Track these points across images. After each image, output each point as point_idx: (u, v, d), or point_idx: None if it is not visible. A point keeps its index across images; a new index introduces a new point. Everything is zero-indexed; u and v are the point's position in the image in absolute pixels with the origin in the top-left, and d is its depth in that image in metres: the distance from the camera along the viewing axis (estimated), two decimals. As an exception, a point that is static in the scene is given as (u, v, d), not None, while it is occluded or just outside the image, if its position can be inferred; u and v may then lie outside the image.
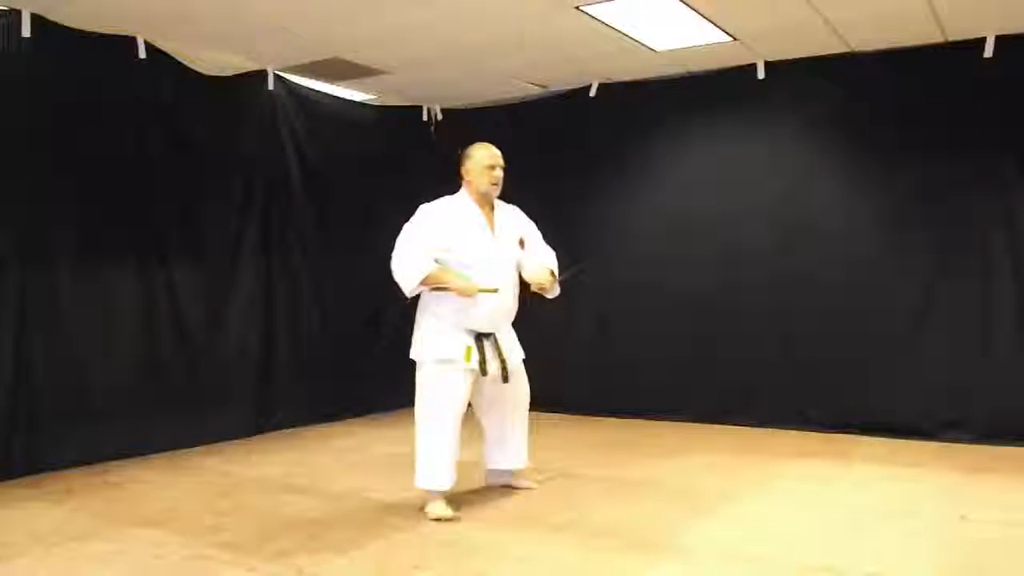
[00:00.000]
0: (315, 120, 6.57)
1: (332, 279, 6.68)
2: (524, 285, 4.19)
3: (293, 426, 6.30)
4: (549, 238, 4.39)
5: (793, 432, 5.83)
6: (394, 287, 4.02)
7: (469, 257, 3.96)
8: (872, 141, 5.72)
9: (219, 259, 5.91)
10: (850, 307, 5.75)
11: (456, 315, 3.97)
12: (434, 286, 3.93)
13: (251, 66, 6.07)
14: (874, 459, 5.05)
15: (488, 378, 4.03)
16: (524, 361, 4.29)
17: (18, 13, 4.77)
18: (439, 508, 3.92)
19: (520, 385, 4.29)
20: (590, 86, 6.64)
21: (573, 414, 6.62)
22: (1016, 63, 5.22)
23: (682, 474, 4.77)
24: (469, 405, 4.13)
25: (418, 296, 4.08)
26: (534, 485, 4.45)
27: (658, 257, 6.41)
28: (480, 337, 4.01)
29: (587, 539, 3.58)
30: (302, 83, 6.48)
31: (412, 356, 4.07)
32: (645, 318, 6.48)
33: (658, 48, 5.71)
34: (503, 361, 4.06)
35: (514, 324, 4.27)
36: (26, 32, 4.79)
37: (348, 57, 5.87)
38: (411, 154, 7.14)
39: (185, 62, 5.62)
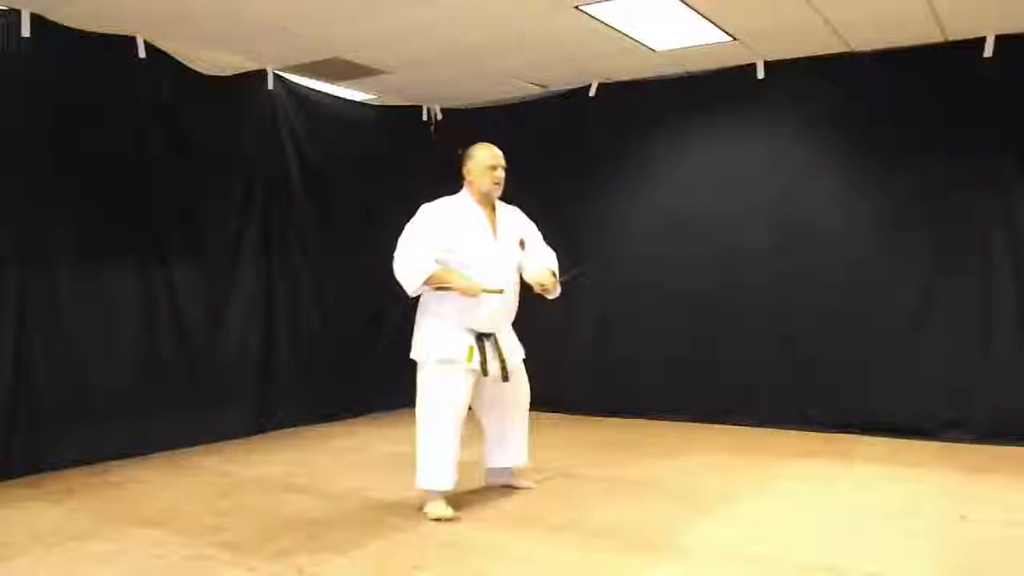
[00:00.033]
0: (315, 120, 6.57)
1: (332, 279, 6.68)
2: (524, 285, 4.20)
3: (293, 426, 6.30)
4: (549, 238, 4.39)
5: (793, 432, 5.83)
6: (395, 286, 4.02)
7: (470, 257, 3.96)
8: (871, 141, 5.72)
9: (219, 259, 5.91)
10: (850, 307, 5.75)
11: (458, 315, 3.96)
12: (437, 285, 3.93)
13: (251, 66, 6.07)
14: (875, 459, 5.05)
15: (489, 378, 4.03)
16: (524, 361, 4.30)
17: (18, 13, 4.77)
18: (439, 508, 3.92)
19: (520, 385, 4.29)
20: (589, 86, 6.64)
21: (573, 414, 6.62)
22: (1016, 63, 5.22)
23: (682, 474, 4.77)
24: (469, 407, 4.13)
25: (418, 296, 4.08)
26: (533, 485, 4.45)
27: (658, 257, 6.41)
28: (481, 337, 4.01)
29: (587, 539, 3.58)
30: (302, 83, 6.48)
31: (413, 356, 4.07)
32: (645, 318, 6.48)
33: (658, 48, 5.71)
34: (503, 361, 4.06)
35: (514, 324, 4.27)
36: (26, 32, 4.79)
37: (348, 57, 5.87)
38: (411, 154, 7.13)
39: (185, 62, 5.62)
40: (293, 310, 6.42)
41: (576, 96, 6.71)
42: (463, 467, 4.08)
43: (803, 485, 4.48)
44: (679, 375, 6.33)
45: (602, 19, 5.10)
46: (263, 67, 6.12)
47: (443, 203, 4.06)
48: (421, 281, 3.90)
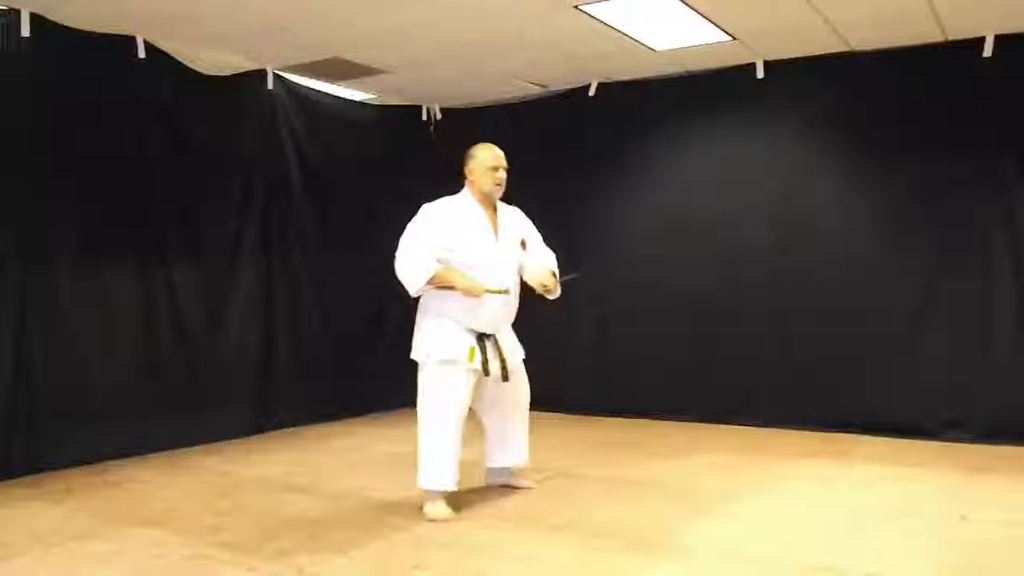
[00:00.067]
0: (315, 120, 6.57)
1: (332, 279, 6.68)
2: (525, 286, 4.20)
3: (293, 426, 6.30)
4: (549, 238, 4.39)
5: (794, 432, 5.82)
6: (396, 286, 4.02)
7: (472, 258, 3.96)
8: (871, 140, 5.72)
9: (219, 259, 5.91)
10: (850, 307, 5.75)
11: (460, 315, 3.96)
12: (439, 285, 3.92)
13: (251, 66, 6.07)
14: (875, 459, 5.05)
15: (489, 378, 4.03)
16: (524, 361, 4.30)
17: (17, 13, 4.77)
18: (439, 508, 3.92)
19: (520, 385, 4.29)
20: (589, 85, 6.64)
21: (573, 414, 6.61)
22: (1015, 62, 5.22)
23: (682, 474, 4.77)
24: (471, 407, 4.13)
25: (419, 295, 4.07)
26: (533, 484, 4.45)
27: (658, 257, 6.41)
28: (482, 337, 4.01)
29: (587, 539, 3.58)
30: (302, 83, 6.48)
31: (413, 357, 4.07)
32: (645, 318, 6.48)
33: (657, 47, 5.70)
34: (503, 361, 4.06)
35: (514, 324, 4.27)
36: (25, 32, 4.79)
37: (348, 57, 5.87)
38: (411, 154, 7.13)
39: (185, 62, 5.62)
40: (293, 310, 6.42)
41: (576, 96, 6.71)
42: (463, 467, 4.08)
43: (803, 485, 4.48)
44: (679, 375, 6.33)
45: (602, 19, 5.10)
46: (263, 67, 6.12)
47: (444, 203, 4.06)
48: (423, 281, 3.89)
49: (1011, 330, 5.30)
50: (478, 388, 4.07)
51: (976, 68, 5.33)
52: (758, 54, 5.90)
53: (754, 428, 5.99)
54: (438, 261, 3.91)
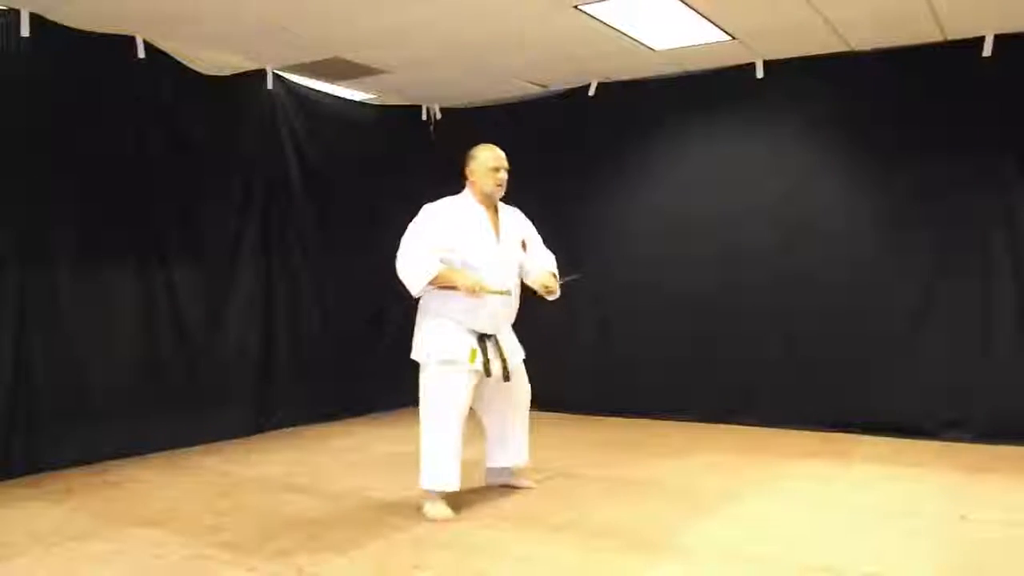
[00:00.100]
0: (314, 120, 6.57)
1: (332, 279, 6.68)
2: (525, 287, 4.20)
3: (293, 426, 6.30)
4: (549, 238, 4.40)
5: (794, 432, 5.82)
6: (397, 286, 4.02)
7: (473, 259, 3.95)
8: (871, 140, 5.72)
9: (219, 259, 5.91)
10: (851, 307, 5.75)
11: (461, 316, 3.96)
12: (441, 285, 3.92)
13: (250, 66, 6.07)
14: (875, 459, 5.05)
15: (490, 378, 4.03)
16: (525, 361, 4.30)
17: (17, 13, 4.77)
18: (439, 508, 3.92)
19: (521, 385, 4.29)
20: (589, 85, 6.64)
21: (574, 414, 6.61)
22: (1015, 62, 5.22)
23: (683, 474, 4.77)
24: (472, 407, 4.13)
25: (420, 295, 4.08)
26: (533, 484, 4.45)
27: (658, 257, 6.41)
28: (482, 338, 4.01)
29: (587, 539, 3.58)
30: (301, 82, 6.48)
31: (414, 357, 4.07)
32: (645, 318, 6.48)
33: (657, 47, 5.70)
34: (504, 361, 4.06)
35: (515, 325, 4.27)
36: (25, 32, 4.78)
37: (348, 56, 5.87)
38: (410, 154, 7.13)
39: (184, 62, 5.62)
40: (293, 310, 6.41)
41: (575, 96, 6.71)
42: (463, 467, 4.08)
43: (803, 485, 4.48)
44: (680, 375, 6.33)
45: (601, 18, 5.10)
46: (263, 67, 6.12)
47: (446, 203, 4.05)
48: (426, 282, 3.89)
49: (1011, 330, 5.30)
50: (478, 388, 4.07)
51: (976, 68, 5.33)
52: (758, 54, 5.90)
53: (754, 428, 5.99)
54: (441, 261, 3.91)
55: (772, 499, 4.22)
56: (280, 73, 6.28)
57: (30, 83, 4.83)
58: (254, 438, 5.96)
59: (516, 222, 4.23)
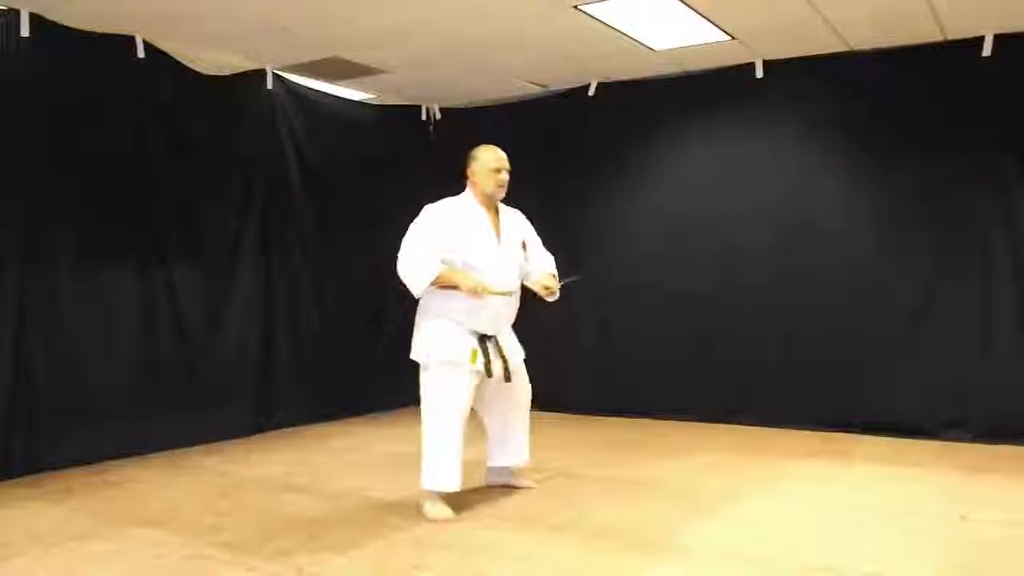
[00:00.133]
0: (314, 120, 6.57)
1: (332, 279, 6.68)
2: (525, 288, 4.20)
3: (293, 426, 6.31)
4: (549, 238, 4.40)
5: (794, 432, 5.82)
6: (397, 286, 4.02)
7: (474, 260, 3.95)
8: (871, 140, 5.72)
9: (219, 259, 5.91)
10: (851, 307, 5.75)
11: (462, 316, 3.95)
12: (443, 285, 3.91)
13: (250, 66, 6.07)
14: (875, 459, 5.05)
15: (491, 379, 4.02)
16: (525, 361, 4.30)
17: (17, 13, 4.76)
18: (439, 508, 3.92)
19: (522, 385, 4.29)
20: (588, 85, 6.64)
21: (574, 414, 6.61)
22: (1015, 62, 5.22)
23: (683, 474, 4.76)
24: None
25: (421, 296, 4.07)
26: (533, 484, 4.45)
27: (658, 257, 6.41)
28: (483, 339, 4.01)
29: (587, 539, 3.58)
30: (301, 82, 6.48)
31: (414, 358, 4.06)
32: (645, 318, 6.48)
33: (657, 47, 5.71)
34: (505, 361, 4.06)
35: (515, 325, 4.27)
36: (25, 32, 4.78)
37: (347, 56, 5.87)
38: (410, 153, 7.14)
39: (184, 62, 5.62)
40: (293, 310, 6.42)
41: (575, 95, 6.71)
42: (463, 467, 4.08)
43: (803, 485, 4.48)
44: (680, 375, 6.33)
45: (601, 18, 5.10)
46: (262, 67, 6.12)
47: (446, 204, 4.05)
48: (428, 282, 3.89)
49: (1011, 330, 5.30)
50: (479, 388, 4.07)
51: (976, 68, 5.33)
52: (757, 54, 5.90)
53: (754, 428, 5.99)
54: (442, 261, 3.90)
55: (772, 499, 4.22)
56: (280, 73, 6.28)
57: (30, 83, 4.83)
58: (254, 438, 5.96)
59: (516, 223, 4.23)
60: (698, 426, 6.15)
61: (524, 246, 4.20)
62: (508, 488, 4.40)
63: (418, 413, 4.04)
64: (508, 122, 6.75)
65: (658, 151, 6.51)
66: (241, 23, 5.16)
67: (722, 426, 6.09)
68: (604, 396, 6.63)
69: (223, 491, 4.48)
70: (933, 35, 5.38)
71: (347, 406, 6.72)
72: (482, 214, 4.05)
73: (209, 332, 5.83)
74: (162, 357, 5.53)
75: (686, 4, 4.87)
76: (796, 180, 5.96)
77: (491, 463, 4.42)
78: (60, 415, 4.95)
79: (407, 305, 4.29)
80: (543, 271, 4.18)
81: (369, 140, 6.96)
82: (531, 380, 4.35)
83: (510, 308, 4.12)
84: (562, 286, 4.17)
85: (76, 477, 4.80)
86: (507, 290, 4.01)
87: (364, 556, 3.40)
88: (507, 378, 4.06)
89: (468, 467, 4.09)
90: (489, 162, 4.04)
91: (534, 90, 6.84)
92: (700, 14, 5.04)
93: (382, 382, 6.71)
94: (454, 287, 3.89)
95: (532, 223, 4.34)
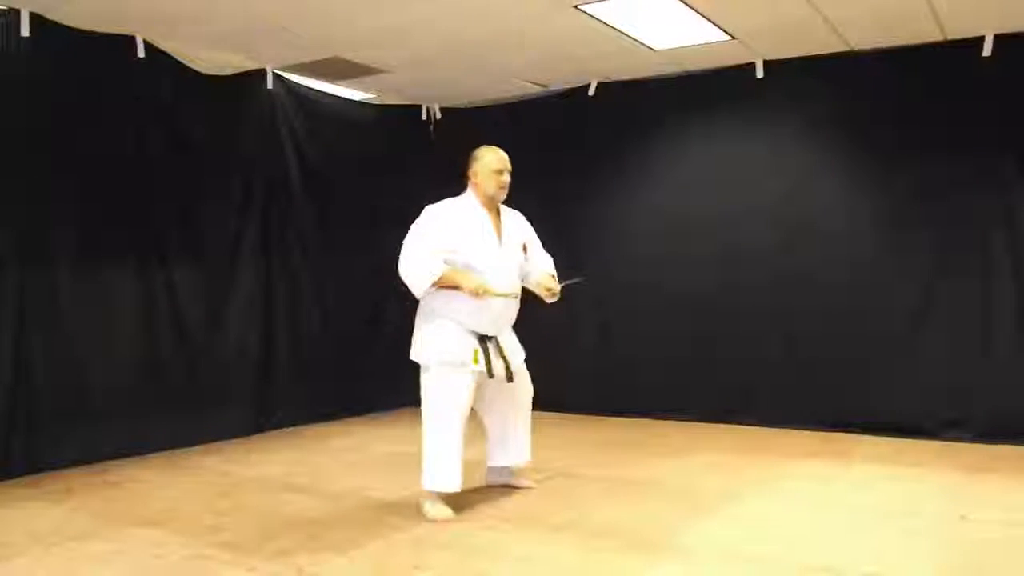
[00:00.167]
0: (314, 119, 6.57)
1: (332, 279, 6.68)
2: (525, 290, 4.20)
3: (293, 425, 6.31)
4: (549, 238, 4.40)
5: (794, 432, 5.82)
6: (399, 285, 4.01)
7: (476, 261, 3.94)
8: (871, 140, 5.72)
9: (219, 259, 5.91)
10: (851, 307, 5.74)
11: (464, 317, 3.95)
12: (444, 286, 3.91)
13: (250, 65, 6.07)
14: (875, 459, 5.05)
15: (492, 379, 4.02)
16: (526, 361, 4.30)
17: (17, 12, 4.76)
18: (439, 508, 3.92)
19: (523, 385, 4.29)
20: (589, 85, 6.63)
21: (575, 414, 6.61)
22: (1015, 62, 5.22)
23: (683, 474, 4.76)
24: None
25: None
26: (534, 484, 4.45)
27: (658, 257, 6.41)
28: (484, 339, 4.00)
29: (587, 539, 3.58)
30: (301, 82, 6.48)
31: (414, 358, 4.05)
32: (645, 318, 6.48)
33: (657, 47, 5.70)
34: (506, 361, 4.06)
35: (516, 325, 4.27)
36: (25, 32, 4.78)
37: (348, 56, 5.87)
38: (410, 153, 7.13)
39: (185, 62, 5.62)
40: (293, 310, 6.42)
41: (575, 95, 6.71)
42: (463, 467, 4.08)
43: (803, 485, 4.48)
44: (681, 375, 6.33)
45: (601, 18, 5.10)
46: (262, 67, 6.12)
47: (448, 205, 4.04)
48: (430, 283, 3.88)
49: (1011, 330, 5.30)
50: (480, 389, 4.07)
51: (976, 68, 5.33)
52: (757, 54, 5.90)
53: (754, 428, 5.99)
54: (444, 262, 3.90)
55: (772, 499, 4.22)
56: (280, 73, 6.27)
57: (30, 83, 4.83)
58: (254, 438, 5.96)
59: (517, 225, 4.23)
60: (698, 426, 6.15)
61: (524, 248, 4.19)
62: (508, 488, 4.41)
63: (418, 413, 4.04)
64: (508, 122, 6.75)
65: (658, 151, 6.51)
66: (241, 23, 5.16)
67: (722, 426, 6.09)
68: (604, 396, 6.63)
69: (223, 491, 4.48)
70: (933, 35, 5.38)
71: (347, 406, 6.72)
72: (483, 215, 4.04)
73: (209, 332, 5.83)
74: (162, 357, 5.53)
75: (686, 4, 4.87)
76: (796, 180, 5.96)
77: (491, 463, 4.42)
78: (60, 415, 4.95)
79: (407, 305, 4.29)
80: (543, 272, 4.18)
81: (369, 140, 6.96)
82: (533, 381, 4.35)
83: (511, 309, 4.12)
84: (563, 288, 4.17)
85: (76, 477, 4.80)
86: (510, 292, 4.00)
87: (364, 556, 3.40)
88: (509, 379, 4.06)
89: (468, 467, 4.09)
90: (492, 163, 4.04)
91: (534, 90, 6.84)
92: (700, 14, 5.04)
93: (382, 382, 6.71)
94: (456, 288, 3.89)
95: (532, 223, 4.34)
